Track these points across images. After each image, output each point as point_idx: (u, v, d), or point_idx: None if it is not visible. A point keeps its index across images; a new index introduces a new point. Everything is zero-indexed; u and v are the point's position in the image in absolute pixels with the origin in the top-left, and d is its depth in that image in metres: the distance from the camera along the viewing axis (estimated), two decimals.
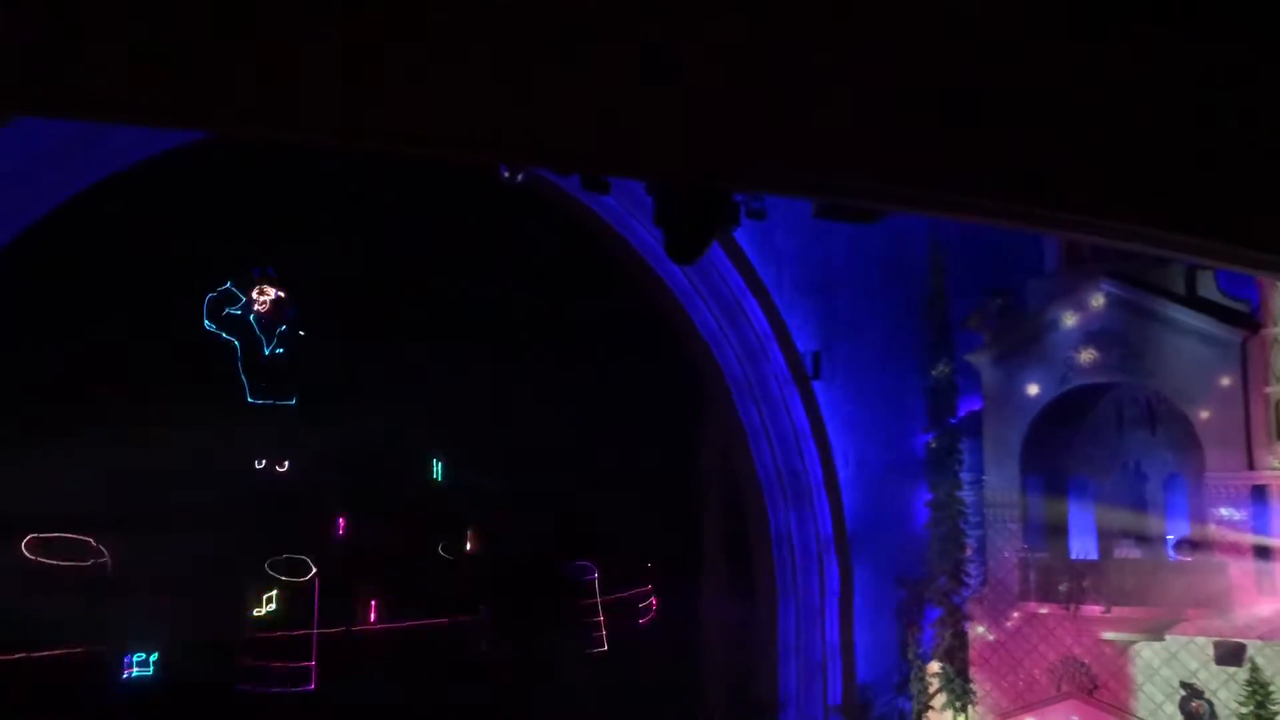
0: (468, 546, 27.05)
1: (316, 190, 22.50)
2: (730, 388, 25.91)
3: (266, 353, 24.72)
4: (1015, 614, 22.80)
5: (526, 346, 25.25)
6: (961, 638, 23.32)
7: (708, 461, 28.11)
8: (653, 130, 8.24)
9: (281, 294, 24.76)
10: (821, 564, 25.07)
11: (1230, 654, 20.31)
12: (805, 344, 24.77)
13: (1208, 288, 21.42)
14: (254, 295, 24.64)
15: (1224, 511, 20.65)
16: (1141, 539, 22.35)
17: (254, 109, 7.12)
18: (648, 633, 27.46)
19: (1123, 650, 21.59)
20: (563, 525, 26.85)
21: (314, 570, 24.73)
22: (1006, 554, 22.93)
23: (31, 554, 22.43)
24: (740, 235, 23.33)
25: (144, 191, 21.07)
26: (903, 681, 23.86)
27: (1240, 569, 20.40)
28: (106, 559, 22.81)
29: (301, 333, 24.95)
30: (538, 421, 25.74)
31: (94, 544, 22.81)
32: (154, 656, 23.22)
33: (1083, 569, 22.05)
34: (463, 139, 8.40)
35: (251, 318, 24.68)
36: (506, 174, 18.02)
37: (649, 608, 28.22)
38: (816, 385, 24.83)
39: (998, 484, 23.08)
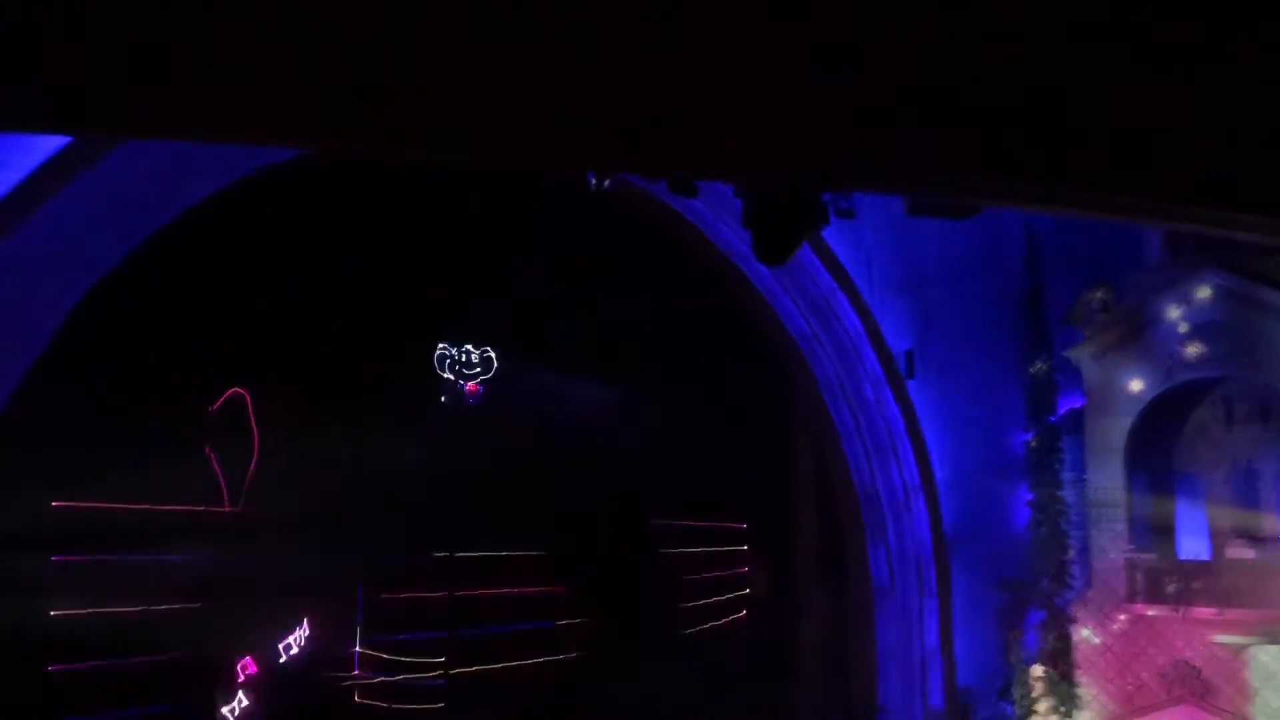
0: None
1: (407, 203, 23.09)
2: (821, 389, 25.67)
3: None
4: (1122, 616, 22.14)
5: (613, 354, 25.41)
6: (1066, 641, 22.71)
7: (800, 464, 27.91)
8: (740, 131, 8.17)
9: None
10: (919, 567, 24.67)
11: None
12: (897, 343, 24.41)
13: None
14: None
15: None
16: (1254, 538, 21.52)
17: (365, 127, 7.22)
18: (744, 640, 27.34)
19: (1237, 653, 20.82)
20: (648, 532, 26.98)
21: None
22: (1111, 555, 22.28)
23: None
24: (829, 235, 23.08)
25: (250, 206, 21.84)
26: (1005, 686, 23.32)
27: None
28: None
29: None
30: (620, 432, 25.91)
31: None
32: None
33: (1192, 570, 21.31)
34: (551, 147, 8.43)
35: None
36: (593, 181, 18.09)
37: (740, 613, 28.18)
38: (910, 385, 24.44)
39: (1101, 483, 22.43)
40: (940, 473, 24.56)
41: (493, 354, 26.75)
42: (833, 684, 26.30)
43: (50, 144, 17.51)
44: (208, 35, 6.44)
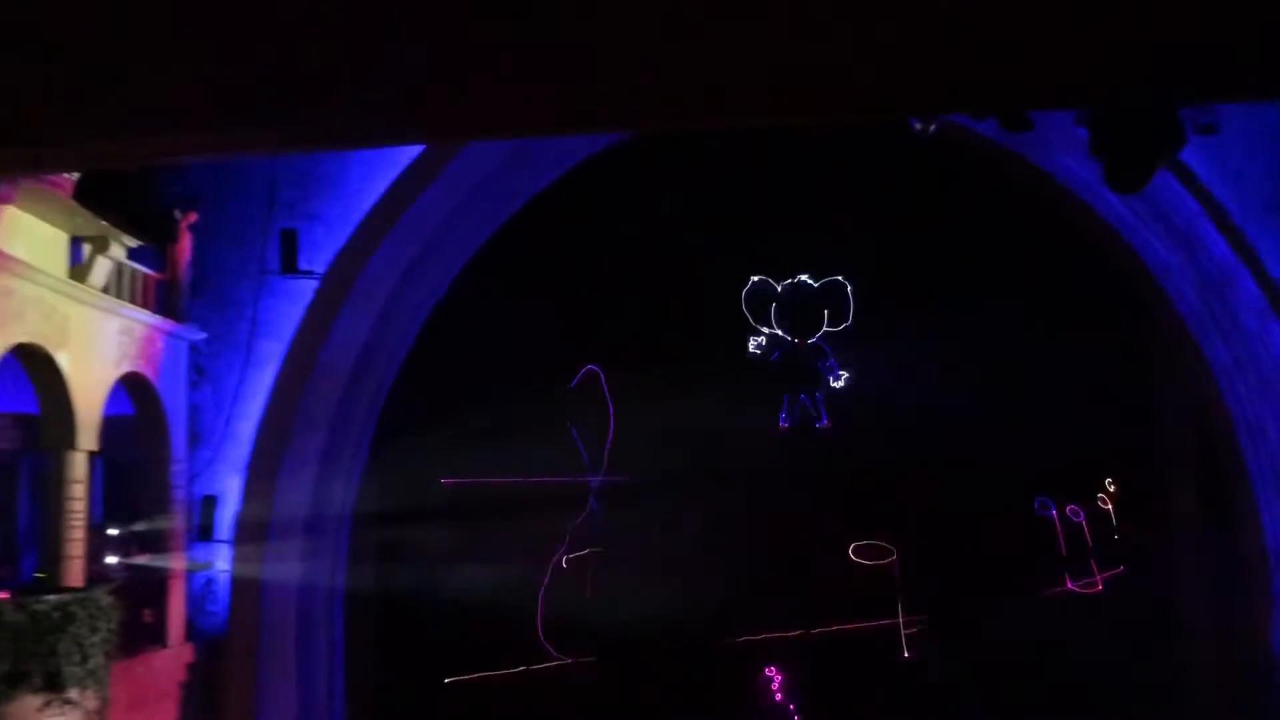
0: None
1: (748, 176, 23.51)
2: (1188, 324, 23.52)
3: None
4: None
5: (959, 300, 24.55)
6: None
7: (1168, 408, 25.78)
8: (1078, 49, 7.58)
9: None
10: None
11: None
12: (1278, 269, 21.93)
13: None
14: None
15: None
16: None
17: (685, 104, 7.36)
18: (1122, 589, 25.70)
19: None
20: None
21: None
22: None
23: None
24: (1189, 155, 20.99)
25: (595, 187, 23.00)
26: None
27: None
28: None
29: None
30: (972, 375, 25.03)
31: None
32: None
33: None
34: (873, 96, 8.19)
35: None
36: (918, 126, 17.48)
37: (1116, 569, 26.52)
38: None
39: None
40: None
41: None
42: (1222, 640, 24.26)
43: (410, 152, 19.18)
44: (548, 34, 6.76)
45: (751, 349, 26.34)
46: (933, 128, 17.29)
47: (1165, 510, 25.90)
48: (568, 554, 25.29)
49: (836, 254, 26.00)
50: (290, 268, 19.52)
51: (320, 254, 19.64)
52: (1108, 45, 7.31)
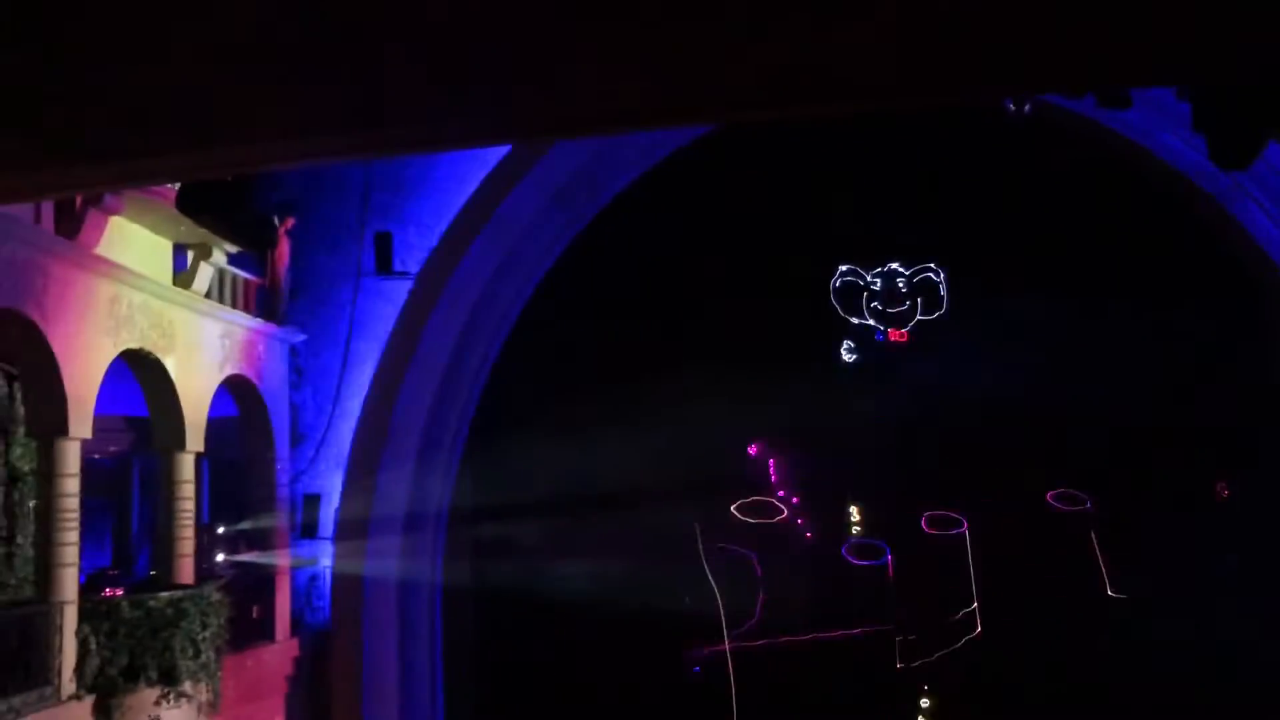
0: None
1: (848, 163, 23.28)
2: None
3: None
4: None
5: (1057, 286, 23.95)
6: None
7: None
8: (1178, 22, 7.31)
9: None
10: None
11: None
12: None
13: None
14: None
15: None
16: None
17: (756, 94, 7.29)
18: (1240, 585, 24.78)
19: None
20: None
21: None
22: None
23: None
24: None
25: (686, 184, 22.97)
26: None
27: None
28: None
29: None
30: (1079, 369, 24.43)
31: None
32: None
33: None
34: (974, 79, 8.00)
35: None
36: (1013, 108, 17.12)
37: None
38: None
39: None
40: None
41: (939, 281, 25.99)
42: None
43: (497, 153, 19.39)
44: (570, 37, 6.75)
45: (844, 356, 26.11)
46: (1028, 108, 16.92)
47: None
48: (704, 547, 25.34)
49: (930, 241, 25.58)
50: (385, 269, 19.88)
51: (413, 255, 19.96)
52: (1206, 18, 7.05)
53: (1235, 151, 10.30)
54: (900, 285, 26.34)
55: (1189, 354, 24.22)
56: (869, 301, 26.28)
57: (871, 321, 26.27)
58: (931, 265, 26.14)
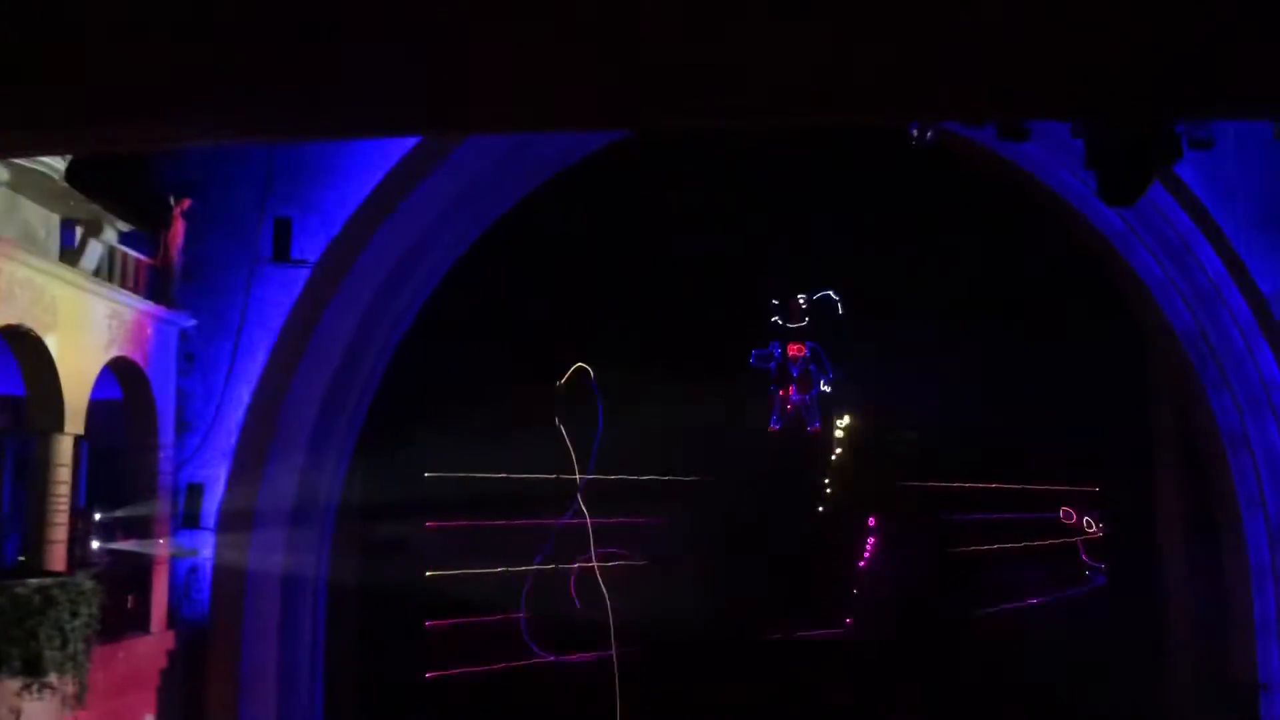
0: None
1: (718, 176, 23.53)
2: (1180, 338, 23.59)
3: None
4: None
5: (950, 309, 24.65)
6: None
7: (1158, 419, 25.86)
8: (1080, 62, 7.59)
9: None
10: None
11: None
12: (1270, 285, 21.99)
13: None
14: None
15: None
16: None
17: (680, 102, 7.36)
18: (1101, 606, 25.77)
19: None
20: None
21: None
22: None
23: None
24: (1183, 169, 21.06)
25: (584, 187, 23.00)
26: None
27: None
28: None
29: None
30: (965, 390, 25.15)
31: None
32: None
33: None
34: (871, 102, 8.19)
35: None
36: (915, 133, 17.51)
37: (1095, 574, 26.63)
38: None
39: None
40: None
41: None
42: (1205, 660, 24.32)
43: (407, 143, 19.17)
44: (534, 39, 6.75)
45: (753, 361, 26.64)
46: (930, 135, 17.33)
47: (1151, 524, 25.96)
48: (552, 553, 25.34)
49: (831, 261, 26.10)
50: (283, 256, 19.47)
51: (314, 244, 19.60)
52: (1105, 60, 7.33)
53: (1123, 189, 10.72)
54: (801, 302, 26.92)
55: (1070, 389, 25.08)
56: (770, 316, 26.83)
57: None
58: (830, 293, 26.88)
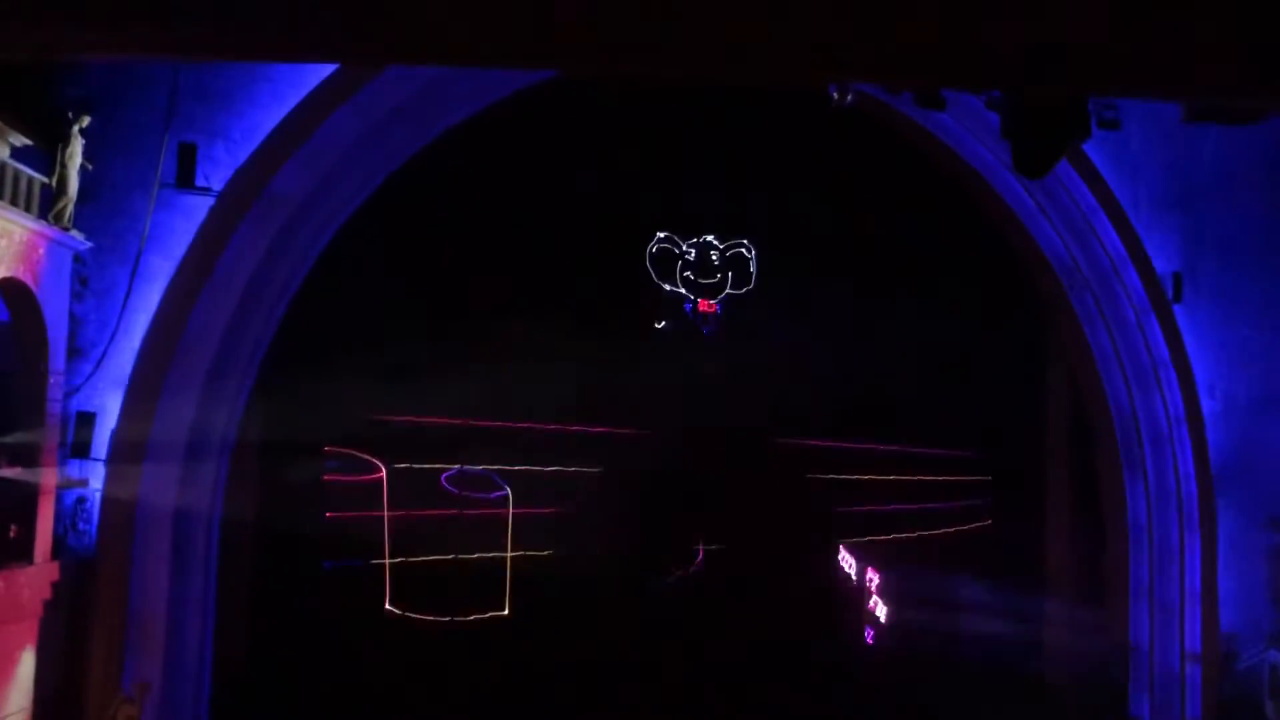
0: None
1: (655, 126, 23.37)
2: (1078, 313, 24.33)
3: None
4: None
5: (860, 271, 25.00)
6: None
7: (1052, 392, 26.69)
8: (999, 36, 7.69)
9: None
10: (1181, 502, 23.22)
11: None
12: (1165, 265, 22.78)
13: None
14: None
15: None
16: None
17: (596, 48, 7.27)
18: (987, 570, 26.59)
19: None
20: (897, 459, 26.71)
21: None
22: None
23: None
24: (1090, 148, 21.63)
25: (497, 133, 22.63)
26: (1275, 633, 21.79)
27: None
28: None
29: None
30: (867, 351, 25.56)
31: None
32: None
33: None
34: (801, 60, 8.20)
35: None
36: (835, 95, 17.62)
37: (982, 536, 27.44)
38: (1177, 310, 22.79)
39: None
40: (1208, 404, 22.90)
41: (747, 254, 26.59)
42: (1082, 621, 25.37)
43: (320, 72, 18.66)
44: None
45: (657, 326, 26.63)
46: (850, 98, 17.46)
47: (1039, 487, 26.85)
48: (458, 495, 25.24)
49: (745, 216, 26.24)
50: (186, 183, 18.86)
51: (219, 172, 19.02)
52: (1022, 35, 7.43)
53: (1035, 161, 10.96)
54: (713, 257, 26.96)
55: (968, 365, 25.65)
56: (682, 270, 26.79)
57: (683, 290, 26.79)
58: (744, 241, 26.85)
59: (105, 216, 18.71)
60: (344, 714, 22.32)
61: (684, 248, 26.59)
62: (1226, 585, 22.75)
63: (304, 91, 18.88)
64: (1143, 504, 23.82)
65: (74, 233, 18.32)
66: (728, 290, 26.88)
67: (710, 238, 26.68)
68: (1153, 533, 23.72)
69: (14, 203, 17.05)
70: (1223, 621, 22.67)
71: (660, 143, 24.21)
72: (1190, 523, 23.13)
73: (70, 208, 18.22)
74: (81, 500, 18.58)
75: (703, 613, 26.33)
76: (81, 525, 18.55)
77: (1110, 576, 24.54)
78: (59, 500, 18.31)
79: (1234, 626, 22.58)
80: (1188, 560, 23.18)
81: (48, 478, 17.96)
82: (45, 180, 17.92)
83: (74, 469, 18.47)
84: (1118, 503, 24.41)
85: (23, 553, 17.47)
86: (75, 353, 18.66)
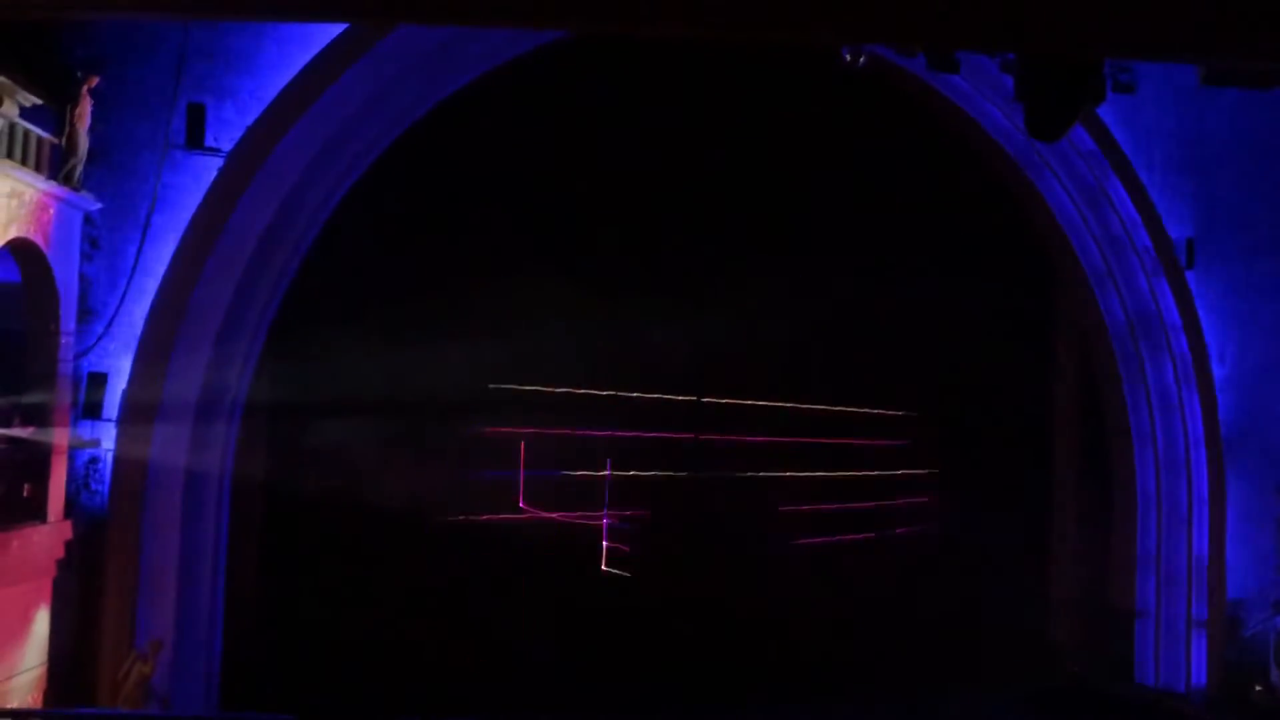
0: None
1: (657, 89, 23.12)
2: (1089, 278, 24.22)
3: None
4: None
5: (868, 236, 24.81)
6: None
7: (1062, 354, 26.61)
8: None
9: None
10: (1189, 469, 23.22)
11: None
12: (1178, 230, 22.65)
13: None
14: None
15: None
16: None
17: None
18: (997, 534, 26.48)
19: None
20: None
21: None
22: None
23: None
24: (1104, 111, 21.45)
25: (500, 100, 22.46)
26: None
27: None
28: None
29: None
30: (875, 316, 25.40)
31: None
32: None
33: None
34: (806, 20, 8.13)
35: None
36: (848, 57, 17.51)
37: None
38: (1189, 275, 22.70)
39: None
40: (1219, 370, 22.86)
41: None
42: (1087, 587, 25.45)
43: (330, 32, 18.55)
44: None
45: None
46: (862, 60, 17.34)
47: (1048, 459, 26.78)
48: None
49: (752, 180, 25.88)
50: (196, 143, 18.81)
51: (228, 132, 18.96)
52: None
53: (1049, 124, 10.88)
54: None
55: (975, 330, 25.43)
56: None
57: None
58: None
59: (115, 177, 18.70)
60: (355, 673, 22.49)
61: None
62: (1235, 553, 22.81)
63: (313, 52, 18.78)
64: (1151, 471, 23.83)
65: (84, 193, 18.32)
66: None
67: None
68: (1161, 498, 23.75)
69: (24, 163, 17.04)
70: (1230, 589, 22.75)
71: (668, 104, 23.90)
72: (1199, 491, 23.16)
73: (80, 168, 18.21)
74: (94, 460, 18.70)
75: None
76: (94, 485, 18.68)
77: (1119, 544, 24.60)
78: (71, 460, 18.44)
79: (1241, 594, 22.67)
80: (1196, 528, 23.22)
81: (60, 438, 18.07)
82: (55, 140, 17.90)
83: (86, 429, 18.58)
84: (1126, 471, 24.42)
85: (36, 512, 17.62)
86: (86, 313, 18.71)
